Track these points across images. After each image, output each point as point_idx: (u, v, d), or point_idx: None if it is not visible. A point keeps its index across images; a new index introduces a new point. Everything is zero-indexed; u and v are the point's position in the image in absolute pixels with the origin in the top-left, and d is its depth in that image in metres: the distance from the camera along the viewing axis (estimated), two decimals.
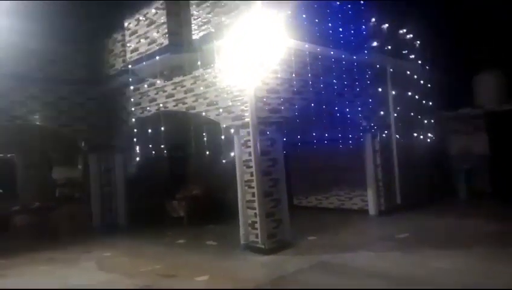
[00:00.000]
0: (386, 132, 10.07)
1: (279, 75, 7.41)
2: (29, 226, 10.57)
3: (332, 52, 8.43)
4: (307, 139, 9.91)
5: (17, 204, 12.15)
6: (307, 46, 7.83)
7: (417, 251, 6.68)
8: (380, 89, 10.03)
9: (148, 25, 8.33)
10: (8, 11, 8.99)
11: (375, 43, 9.51)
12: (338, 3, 8.79)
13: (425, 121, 11.43)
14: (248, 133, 7.14)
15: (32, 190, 13.15)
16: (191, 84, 8.30)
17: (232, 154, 7.64)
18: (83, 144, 10.84)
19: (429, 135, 11.44)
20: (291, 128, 8.69)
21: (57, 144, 12.12)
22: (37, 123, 9.99)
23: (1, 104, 9.33)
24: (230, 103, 7.46)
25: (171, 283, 5.99)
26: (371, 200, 9.90)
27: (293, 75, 7.66)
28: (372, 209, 9.89)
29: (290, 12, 7.43)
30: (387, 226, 8.84)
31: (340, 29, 8.67)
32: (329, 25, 8.46)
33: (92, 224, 10.91)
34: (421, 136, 11.22)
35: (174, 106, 8.76)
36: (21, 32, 9.49)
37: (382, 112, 10.10)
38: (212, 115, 7.91)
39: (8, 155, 14.01)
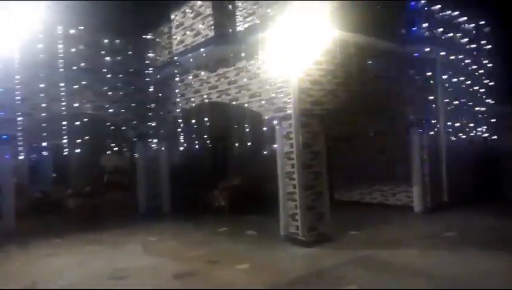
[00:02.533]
0: (435, 125, 9.65)
1: (323, 66, 7.32)
2: (80, 208, 11.22)
3: (378, 42, 8.18)
4: (350, 132, 9.72)
5: (70, 188, 12.94)
6: (352, 36, 7.65)
7: (463, 251, 6.40)
8: (429, 81, 9.61)
9: (194, 17, 8.49)
10: (65, 6, 9.49)
11: (425, 32, 9.10)
12: None
13: (478, 116, 10.84)
14: (290, 125, 7.13)
15: (83, 175, 13.94)
16: (235, 75, 8.39)
17: (274, 146, 7.66)
18: (130, 133, 11.30)
19: (481, 130, 10.84)
20: (334, 121, 8.55)
21: (107, 132, 12.71)
22: (90, 112, 10.52)
23: (57, 93, 9.91)
24: (273, 95, 7.45)
25: (214, 269, 6.15)
26: (416, 197, 9.58)
27: (338, 66, 7.52)
28: (417, 206, 9.57)
29: (335, 2, 7.27)
30: (433, 224, 8.54)
31: (388, 18, 8.37)
32: (376, 13, 8.19)
33: (138, 210, 11.41)
34: (473, 132, 10.66)
35: (218, 97, 8.90)
36: (75, 26, 10.03)
37: (431, 105, 9.68)
38: (254, 107, 7.96)
39: (62, 142, 14.89)
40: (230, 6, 8.02)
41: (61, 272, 6.22)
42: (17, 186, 10.45)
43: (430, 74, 9.65)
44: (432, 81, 9.66)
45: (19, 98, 9.36)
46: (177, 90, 10.09)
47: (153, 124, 11.19)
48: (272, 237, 7.62)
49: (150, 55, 10.88)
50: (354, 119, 9.55)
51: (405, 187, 10.06)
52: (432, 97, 9.71)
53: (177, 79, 9.94)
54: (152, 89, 11.10)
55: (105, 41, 10.58)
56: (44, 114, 9.82)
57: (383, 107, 9.21)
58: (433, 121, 9.66)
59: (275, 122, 7.47)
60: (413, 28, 8.89)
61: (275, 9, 7.13)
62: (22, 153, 9.79)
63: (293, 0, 6.88)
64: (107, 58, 10.54)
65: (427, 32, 9.19)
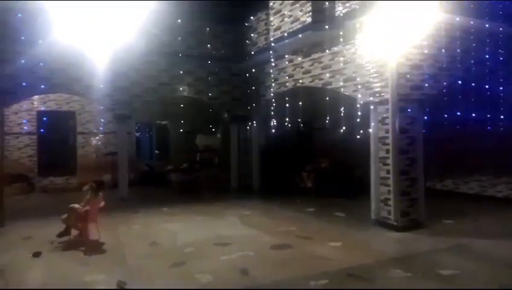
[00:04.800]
0: None
1: (424, 51, 7.15)
2: (180, 183, 12.40)
3: (487, 25, 7.73)
4: (450, 119, 9.31)
5: (170, 164, 14.28)
6: (457, 19, 7.34)
7: None
8: None
9: (292, 4, 8.77)
10: None
11: None
12: None
13: None
14: (386, 110, 7.14)
15: (181, 153, 15.28)
16: (329, 60, 8.54)
17: (369, 130, 7.71)
18: (225, 116, 12.09)
19: None
20: (433, 107, 8.31)
21: (203, 114, 13.73)
22: (191, 95, 11.48)
23: (165, 78, 11.00)
24: (369, 79, 7.50)
25: (308, 243, 6.55)
26: None
27: (440, 50, 7.29)
28: None
29: None
30: None
31: None
32: None
33: (230, 186, 12.27)
34: None
35: (311, 81, 9.14)
36: (179, 15, 10.92)
37: None
38: (348, 91, 8.06)
39: (163, 122, 16.43)
40: None
41: (175, 236, 7.10)
42: (129, 160, 11.87)
43: None
44: None
45: (132, 82, 10.61)
46: (271, 75, 10.54)
47: (247, 107, 11.84)
48: (361, 219, 7.78)
49: (247, 41, 11.45)
50: (456, 104, 9.12)
51: (507, 178, 9.44)
52: None
53: (272, 64, 10.37)
54: (248, 74, 11.70)
55: (206, 28, 11.39)
56: (153, 97, 10.96)
57: (486, 93, 8.67)
58: None
59: (371, 107, 7.52)
60: None
61: None
62: (137, 132, 11.15)
63: None
64: (208, 45, 11.35)
65: None
